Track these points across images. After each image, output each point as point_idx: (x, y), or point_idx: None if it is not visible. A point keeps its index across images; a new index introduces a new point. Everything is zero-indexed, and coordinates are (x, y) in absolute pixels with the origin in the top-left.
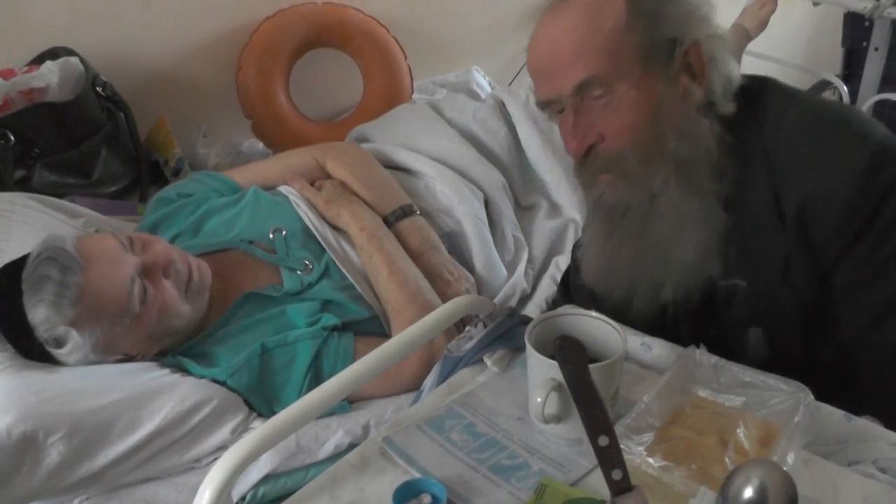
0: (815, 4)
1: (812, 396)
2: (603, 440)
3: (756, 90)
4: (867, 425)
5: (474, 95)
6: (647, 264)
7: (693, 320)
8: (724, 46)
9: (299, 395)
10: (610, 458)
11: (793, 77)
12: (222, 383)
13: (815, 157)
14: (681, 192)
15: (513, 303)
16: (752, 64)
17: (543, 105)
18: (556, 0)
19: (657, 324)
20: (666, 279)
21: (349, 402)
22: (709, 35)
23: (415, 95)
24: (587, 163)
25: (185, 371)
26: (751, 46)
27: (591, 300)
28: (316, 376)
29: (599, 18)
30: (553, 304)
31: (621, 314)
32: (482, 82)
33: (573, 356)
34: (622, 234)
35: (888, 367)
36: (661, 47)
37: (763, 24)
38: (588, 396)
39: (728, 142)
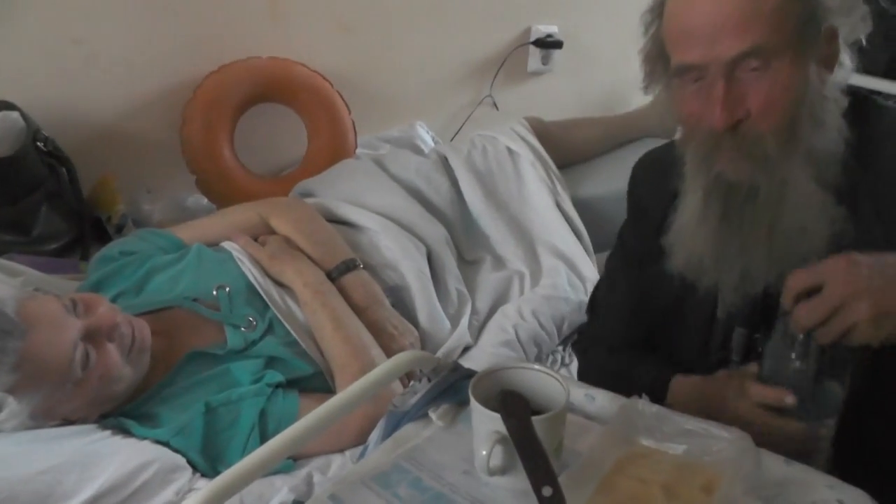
0: None
1: (752, 442)
2: (547, 491)
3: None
4: (805, 469)
5: (418, 150)
6: (759, 252)
7: (749, 335)
8: (852, 39)
9: (243, 454)
10: None
11: None
12: (165, 444)
13: None
14: (810, 182)
15: (456, 355)
16: None
17: (683, 69)
18: None
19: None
20: (771, 270)
21: (293, 459)
22: (848, 25)
23: (359, 150)
24: (722, 137)
25: (126, 432)
26: None
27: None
28: (261, 435)
29: None
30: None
31: (702, 303)
32: (425, 137)
33: (516, 410)
34: (741, 218)
35: None
36: (814, 27)
37: None
38: (531, 448)
39: (847, 136)
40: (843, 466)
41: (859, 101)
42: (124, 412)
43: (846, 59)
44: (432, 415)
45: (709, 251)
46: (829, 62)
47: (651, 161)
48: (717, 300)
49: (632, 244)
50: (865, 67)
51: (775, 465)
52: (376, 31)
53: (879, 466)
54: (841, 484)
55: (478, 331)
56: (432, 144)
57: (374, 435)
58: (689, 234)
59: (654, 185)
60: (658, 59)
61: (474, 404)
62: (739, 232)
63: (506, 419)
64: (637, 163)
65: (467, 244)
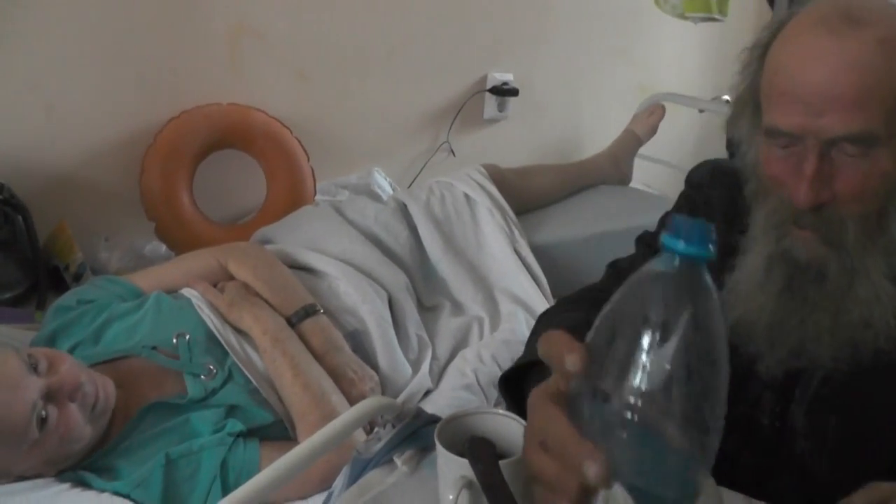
0: (701, 112)
1: (713, 480)
2: None
3: None
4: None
5: (375, 197)
6: (816, 335)
7: (778, 397)
8: None
9: None
10: None
11: (682, 179)
12: (125, 496)
13: None
14: (882, 277)
15: (417, 399)
16: (643, 166)
17: (775, 133)
18: (840, 17)
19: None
20: (824, 355)
21: None
22: None
23: (317, 197)
24: (802, 214)
25: (86, 485)
26: (643, 151)
27: None
28: (222, 485)
29: (893, 65)
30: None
31: (742, 365)
32: (383, 183)
33: (482, 454)
34: (804, 298)
35: None
36: None
37: (653, 130)
38: (499, 494)
39: None
40: None
41: None
42: (83, 465)
43: None
44: (397, 460)
45: (764, 320)
46: None
47: (723, 171)
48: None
49: None
50: None
51: (735, 502)
52: (334, 78)
53: None
54: None
55: (438, 375)
56: (390, 191)
57: (339, 482)
58: (745, 297)
59: (731, 196)
60: (748, 105)
61: (440, 450)
62: (800, 311)
63: (473, 465)
64: (710, 168)
65: (426, 290)
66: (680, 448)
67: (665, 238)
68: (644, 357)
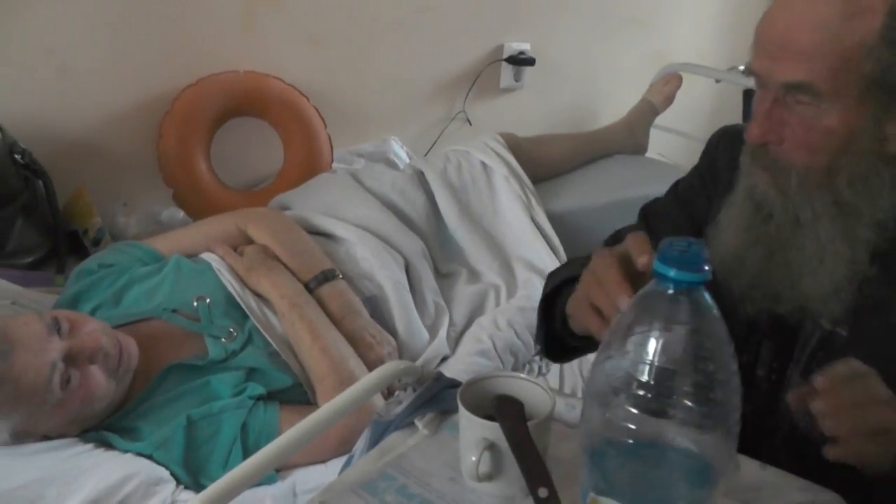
0: (717, 82)
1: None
2: (542, 492)
3: None
4: (779, 473)
5: (392, 165)
6: (774, 275)
7: (777, 350)
8: None
9: (225, 467)
10: None
11: (697, 150)
12: (148, 457)
13: None
14: (829, 232)
15: (434, 365)
16: (659, 136)
17: (750, 73)
18: None
19: (751, 336)
20: (784, 297)
21: (276, 470)
22: None
23: (334, 165)
24: (757, 151)
25: (108, 445)
26: (658, 120)
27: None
28: (242, 447)
29: (850, 25)
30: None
31: (731, 310)
32: (399, 152)
33: (512, 413)
34: (758, 236)
35: None
36: (889, 86)
37: (669, 100)
38: (527, 451)
39: None
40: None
41: None
42: (105, 426)
43: None
44: (418, 423)
45: (730, 254)
46: None
47: (732, 133)
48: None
49: (689, 196)
50: None
51: (751, 469)
52: (351, 46)
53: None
54: (813, 486)
55: (455, 341)
56: (406, 159)
57: (360, 444)
58: (721, 232)
59: (734, 156)
60: None
61: (463, 412)
62: (757, 249)
63: (502, 423)
64: (721, 131)
65: (443, 257)
66: (683, 448)
67: (657, 265)
68: (649, 364)
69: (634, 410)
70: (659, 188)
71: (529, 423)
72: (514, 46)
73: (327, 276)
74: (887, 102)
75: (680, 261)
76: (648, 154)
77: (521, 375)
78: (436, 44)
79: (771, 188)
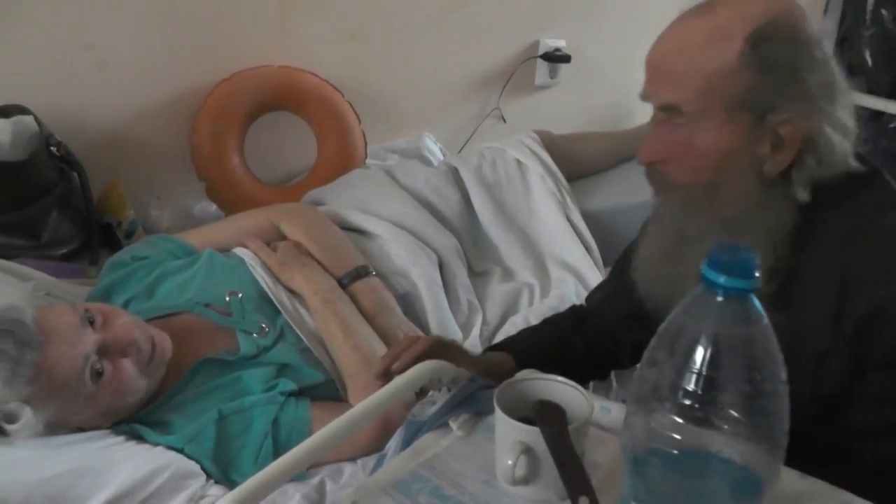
0: None
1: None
2: (583, 501)
3: (858, 185)
4: (819, 484)
5: (426, 161)
6: (671, 288)
7: None
8: (832, 137)
9: (255, 462)
10: None
11: None
12: (179, 450)
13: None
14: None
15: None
16: None
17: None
18: (702, 4)
19: None
20: None
21: (306, 468)
22: (818, 122)
23: (368, 161)
24: (649, 171)
25: (140, 438)
26: None
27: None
28: (273, 443)
29: (712, 51)
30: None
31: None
32: (433, 148)
33: (553, 419)
34: (659, 251)
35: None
36: (755, 108)
37: None
38: (568, 458)
39: (795, 222)
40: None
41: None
42: (137, 418)
43: (832, 155)
44: (452, 424)
45: (641, 267)
46: (787, 148)
47: None
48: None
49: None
50: (870, 88)
51: (790, 479)
52: (386, 41)
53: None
54: (855, 499)
55: (488, 340)
56: (440, 156)
57: (392, 444)
58: (641, 246)
59: None
60: None
61: (499, 414)
62: (661, 263)
63: (543, 429)
64: None
65: (476, 255)
66: (728, 460)
67: (706, 271)
68: (696, 372)
69: (679, 419)
70: None
71: (569, 427)
72: (550, 43)
73: (360, 273)
74: (754, 124)
75: (729, 267)
76: None
77: (559, 378)
78: (471, 40)
79: (662, 205)
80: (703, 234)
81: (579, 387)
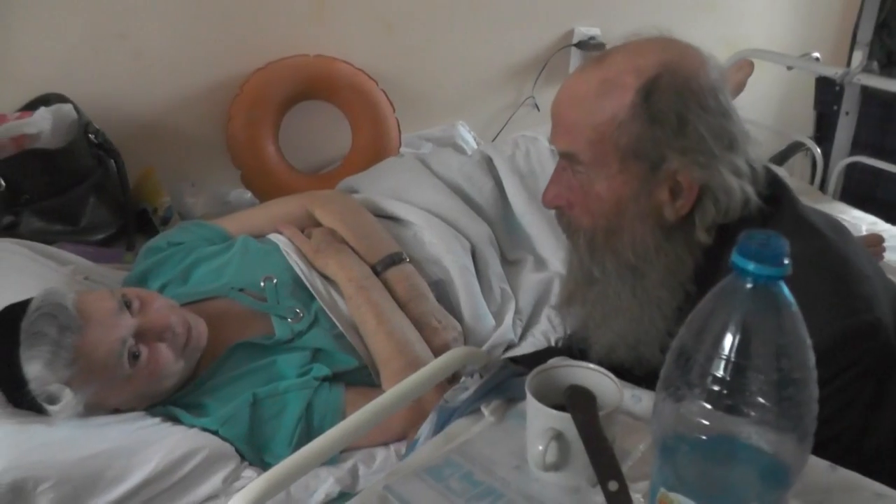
0: (789, 69)
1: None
2: (613, 485)
3: (763, 221)
4: (851, 476)
5: (459, 150)
6: (583, 326)
7: None
8: (731, 183)
9: (290, 446)
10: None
11: (766, 138)
12: (214, 432)
13: (803, 294)
14: (616, 290)
15: (499, 352)
16: None
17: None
18: (598, 56)
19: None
20: (591, 347)
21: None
22: (714, 170)
23: (402, 149)
24: (558, 215)
25: (175, 420)
26: None
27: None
28: (307, 426)
29: (603, 102)
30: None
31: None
32: (467, 137)
33: (584, 405)
34: (573, 291)
35: None
36: (648, 157)
37: (740, 87)
38: (599, 444)
39: (699, 264)
40: None
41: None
42: (172, 401)
43: (730, 200)
44: (484, 410)
45: (561, 309)
46: (684, 195)
47: None
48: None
49: None
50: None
51: (819, 470)
52: (419, 29)
53: None
54: (889, 491)
55: (520, 329)
56: (474, 144)
57: (425, 429)
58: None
59: None
60: None
61: (531, 400)
62: (575, 303)
63: (574, 414)
64: None
65: (509, 244)
66: (756, 447)
67: (735, 259)
68: (725, 359)
69: (708, 406)
70: None
71: (600, 414)
72: (584, 31)
73: (394, 260)
74: (649, 172)
75: (759, 254)
76: None
77: (590, 366)
78: (505, 29)
79: (570, 248)
80: (607, 276)
81: (610, 374)
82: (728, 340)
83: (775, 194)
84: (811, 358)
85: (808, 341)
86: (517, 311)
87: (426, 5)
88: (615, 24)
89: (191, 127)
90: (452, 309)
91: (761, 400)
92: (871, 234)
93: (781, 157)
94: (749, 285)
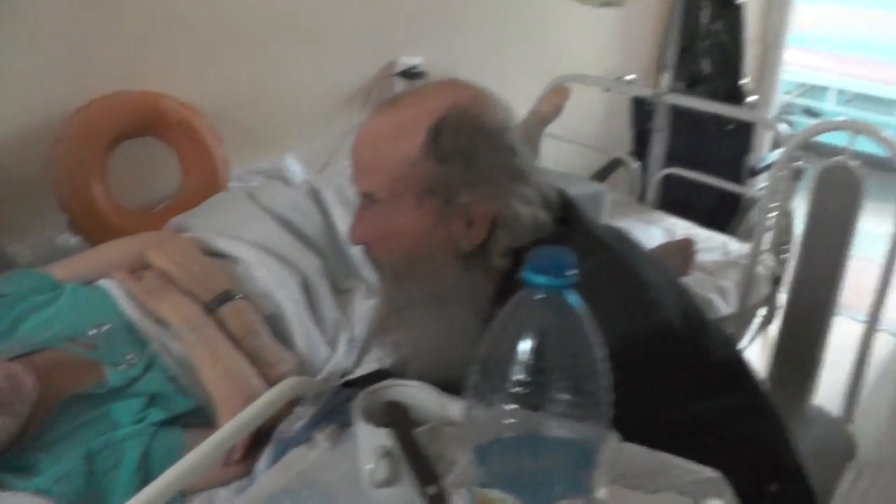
0: (606, 91)
1: (616, 435)
2: (431, 489)
3: (556, 242)
4: (667, 457)
5: (288, 182)
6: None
7: None
8: (521, 211)
9: (128, 496)
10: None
11: (589, 156)
12: (45, 492)
13: (595, 305)
14: (421, 319)
15: (335, 380)
16: (553, 145)
17: None
18: (392, 99)
19: None
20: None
21: (182, 494)
22: (504, 201)
23: (231, 184)
24: (364, 251)
25: (2, 486)
26: (551, 129)
27: None
28: (145, 474)
29: (397, 142)
30: None
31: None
32: (295, 169)
33: (399, 418)
34: (380, 320)
35: None
36: (441, 193)
37: (557, 110)
38: (415, 452)
39: (498, 287)
40: None
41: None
42: (3, 464)
43: (520, 227)
44: (319, 437)
45: (375, 338)
46: (477, 226)
47: None
48: None
49: None
50: (710, 94)
51: (638, 454)
52: (245, 62)
53: None
54: (699, 467)
55: (356, 357)
56: (303, 176)
57: (262, 463)
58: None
59: None
60: None
61: (358, 421)
62: (383, 332)
63: (391, 429)
64: None
65: (341, 273)
66: (562, 437)
67: (526, 274)
68: (524, 363)
69: (514, 407)
70: None
71: (421, 428)
72: (407, 61)
73: (227, 297)
74: (443, 207)
75: (545, 268)
76: (543, 163)
77: (412, 383)
78: (331, 60)
79: (379, 281)
80: (413, 306)
81: (434, 389)
82: (526, 347)
83: (567, 216)
84: (599, 352)
85: (596, 340)
86: (352, 339)
87: (249, 40)
88: (438, 53)
89: (11, 172)
90: (287, 342)
91: (560, 395)
92: (682, 238)
93: (603, 174)
94: (540, 296)
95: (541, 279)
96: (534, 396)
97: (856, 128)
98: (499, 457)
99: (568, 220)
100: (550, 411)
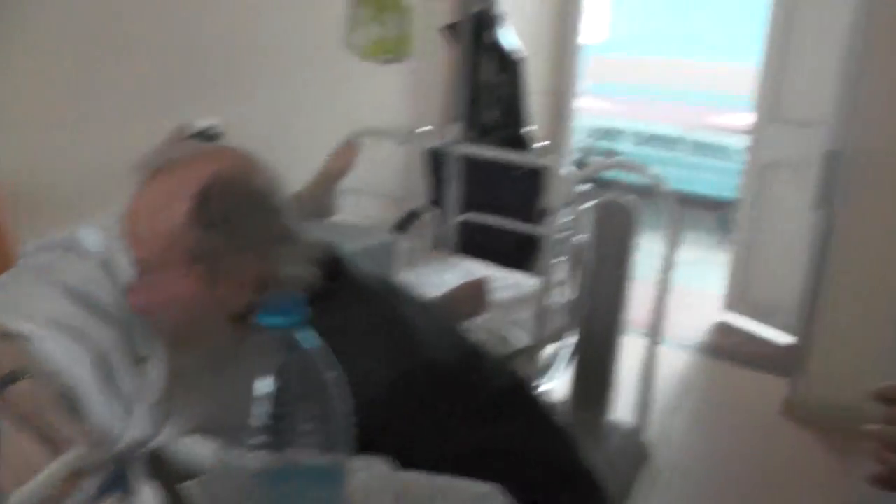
0: (400, 144)
1: (385, 466)
2: None
3: (327, 297)
4: (445, 480)
5: (84, 254)
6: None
7: None
8: (289, 271)
9: None
10: None
11: (389, 207)
12: None
13: (364, 349)
14: (201, 381)
15: (134, 451)
16: (355, 199)
17: None
18: (159, 168)
19: None
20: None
21: None
22: (272, 263)
23: (22, 260)
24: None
25: None
26: (352, 183)
27: None
28: None
29: (166, 211)
30: None
31: None
32: (92, 239)
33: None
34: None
35: None
36: (209, 258)
37: (347, 166)
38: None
39: None
40: None
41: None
42: None
43: (288, 284)
44: None
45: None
46: (246, 287)
47: None
48: None
49: None
50: (499, 142)
51: (420, 480)
52: (39, 130)
53: None
54: (476, 484)
55: (154, 423)
56: (99, 247)
57: None
58: None
59: None
60: None
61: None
62: (166, 400)
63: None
64: None
65: (140, 341)
66: (314, 464)
67: (260, 318)
68: (269, 408)
69: (268, 447)
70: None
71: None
72: (200, 123)
73: (14, 378)
74: (210, 272)
75: (277, 310)
76: (344, 216)
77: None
78: (125, 124)
79: (159, 347)
80: (192, 370)
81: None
82: (266, 388)
83: (335, 270)
84: (331, 384)
85: (327, 372)
86: (151, 406)
87: (45, 108)
88: (234, 112)
89: None
90: (82, 417)
91: (304, 427)
92: (475, 279)
93: (402, 224)
94: (275, 336)
95: (272, 320)
96: (282, 435)
97: (626, 166)
98: (266, 491)
99: (336, 275)
100: (301, 444)
